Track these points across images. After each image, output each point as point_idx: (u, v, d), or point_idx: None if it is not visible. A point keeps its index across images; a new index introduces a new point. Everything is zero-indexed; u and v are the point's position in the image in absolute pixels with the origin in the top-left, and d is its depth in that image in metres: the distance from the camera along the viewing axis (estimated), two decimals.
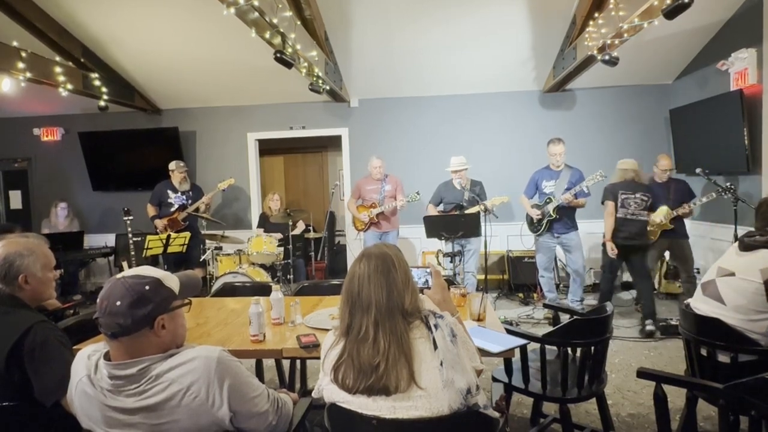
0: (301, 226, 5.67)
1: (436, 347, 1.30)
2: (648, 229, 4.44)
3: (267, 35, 3.92)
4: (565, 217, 4.69)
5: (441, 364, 1.28)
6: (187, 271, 1.45)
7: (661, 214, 4.54)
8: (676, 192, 4.69)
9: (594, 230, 5.50)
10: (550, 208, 4.66)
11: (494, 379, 2.32)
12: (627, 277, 5.60)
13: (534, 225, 4.87)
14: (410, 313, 1.35)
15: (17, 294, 1.75)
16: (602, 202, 4.45)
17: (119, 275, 1.28)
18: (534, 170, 5.04)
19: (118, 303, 1.21)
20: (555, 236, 4.78)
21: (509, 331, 2.14)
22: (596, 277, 5.84)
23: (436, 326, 1.33)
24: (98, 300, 1.24)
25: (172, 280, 1.32)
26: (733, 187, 4.31)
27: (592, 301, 5.08)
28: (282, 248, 5.25)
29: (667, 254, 5.01)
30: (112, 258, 6.55)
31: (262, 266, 5.11)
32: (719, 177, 4.95)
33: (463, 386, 1.28)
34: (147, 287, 1.24)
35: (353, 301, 1.36)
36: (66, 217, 6.41)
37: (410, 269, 1.44)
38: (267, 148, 7.34)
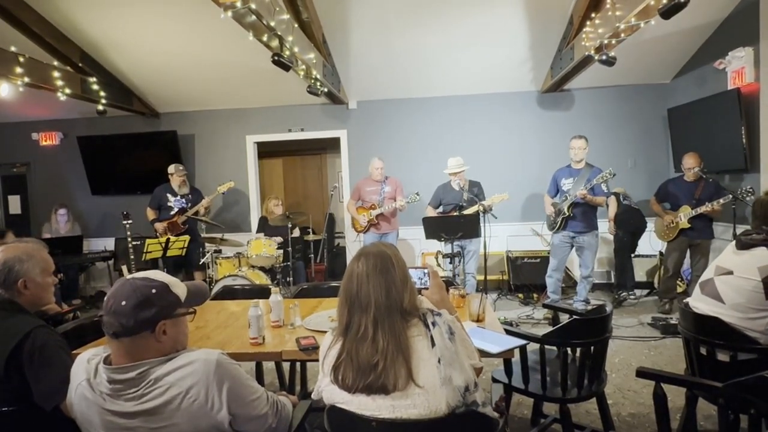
0: (296, 232, 5.64)
1: (433, 345, 1.30)
2: (664, 226, 4.88)
3: (265, 38, 3.92)
4: (583, 216, 4.61)
5: (439, 362, 1.28)
6: (196, 281, 1.46)
7: (680, 213, 4.66)
8: (704, 191, 4.61)
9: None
10: (565, 206, 4.61)
11: (494, 380, 2.32)
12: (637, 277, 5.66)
13: (550, 221, 4.84)
14: (408, 312, 1.35)
15: (16, 299, 1.75)
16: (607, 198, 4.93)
17: (129, 276, 1.30)
18: (535, 169, 5.05)
19: (123, 303, 1.22)
20: (571, 235, 4.70)
21: (509, 332, 2.14)
22: (600, 278, 5.84)
23: (433, 324, 1.33)
24: (105, 298, 1.26)
25: (179, 287, 1.33)
26: (752, 189, 4.20)
27: (596, 301, 5.07)
28: (281, 251, 5.24)
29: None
30: (111, 262, 6.54)
31: (262, 269, 5.10)
32: (717, 175, 4.95)
33: (461, 383, 1.28)
34: (153, 290, 1.25)
35: (352, 300, 1.36)
36: (67, 222, 6.42)
37: (408, 268, 1.45)
38: (266, 151, 7.34)
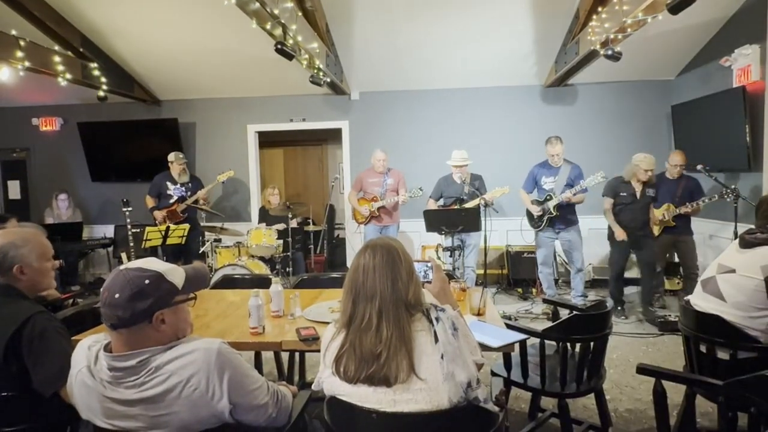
0: (293, 223, 5.62)
1: (437, 340, 1.30)
2: (653, 223, 4.73)
3: (268, 26, 3.89)
4: (565, 213, 4.67)
5: (442, 357, 1.27)
6: (195, 264, 1.43)
7: (663, 211, 4.66)
8: (685, 189, 4.67)
9: (596, 225, 5.48)
10: (551, 205, 4.63)
11: (493, 374, 2.32)
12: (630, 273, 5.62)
13: (534, 220, 4.86)
14: (413, 306, 1.35)
15: (14, 285, 1.74)
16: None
17: (122, 266, 1.28)
18: (534, 164, 5.02)
19: (117, 295, 1.20)
20: (556, 231, 4.77)
21: (509, 326, 2.14)
22: (595, 273, 5.85)
23: (437, 319, 1.33)
24: (101, 289, 1.25)
25: (176, 274, 1.30)
26: (736, 189, 4.25)
27: (595, 297, 5.09)
28: (281, 241, 5.24)
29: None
30: (111, 249, 6.54)
31: (262, 259, 5.10)
32: (720, 174, 4.93)
33: (464, 379, 1.28)
34: (147, 281, 1.23)
35: (357, 291, 1.36)
36: (68, 207, 6.40)
37: (414, 263, 1.44)
38: (267, 141, 7.31)
